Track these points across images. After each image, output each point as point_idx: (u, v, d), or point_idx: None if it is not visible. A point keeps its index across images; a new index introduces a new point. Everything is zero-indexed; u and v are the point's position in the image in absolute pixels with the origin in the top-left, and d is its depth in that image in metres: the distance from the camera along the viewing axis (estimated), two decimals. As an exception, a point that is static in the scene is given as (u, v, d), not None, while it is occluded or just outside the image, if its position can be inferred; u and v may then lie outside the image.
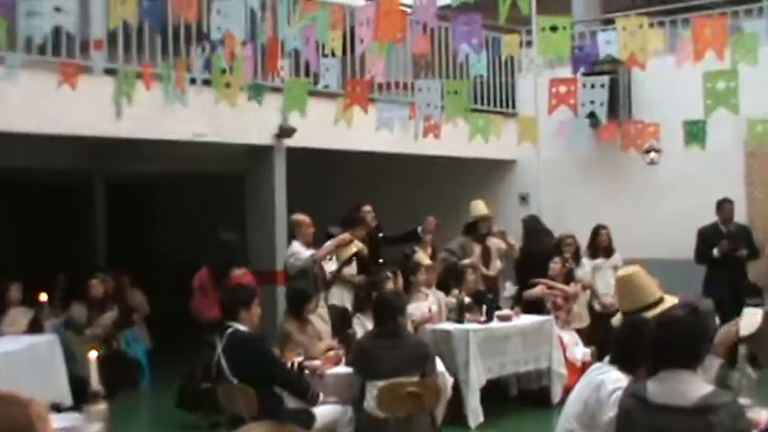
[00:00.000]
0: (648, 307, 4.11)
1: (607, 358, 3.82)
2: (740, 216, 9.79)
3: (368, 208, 8.73)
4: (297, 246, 7.78)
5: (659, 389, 3.09)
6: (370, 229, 8.57)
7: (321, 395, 5.52)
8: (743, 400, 3.31)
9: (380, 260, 8.57)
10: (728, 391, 3.20)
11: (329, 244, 7.81)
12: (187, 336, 7.11)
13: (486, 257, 8.93)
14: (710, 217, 9.55)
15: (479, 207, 9.02)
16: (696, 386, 3.06)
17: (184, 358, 7.42)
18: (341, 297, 7.90)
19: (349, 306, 7.71)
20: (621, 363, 3.71)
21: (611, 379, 3.64)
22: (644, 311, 4.06)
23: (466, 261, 8.61)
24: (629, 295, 4.23)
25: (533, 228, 9.54)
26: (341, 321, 7.28)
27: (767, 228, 10.06)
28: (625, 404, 3.22)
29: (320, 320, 7.07)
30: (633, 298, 4.18)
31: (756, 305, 7.51)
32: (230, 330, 5.37)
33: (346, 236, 7.86)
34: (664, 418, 3.04)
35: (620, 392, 3.43)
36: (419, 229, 9.00)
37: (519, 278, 9.32)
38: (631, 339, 3.63)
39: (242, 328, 5.40)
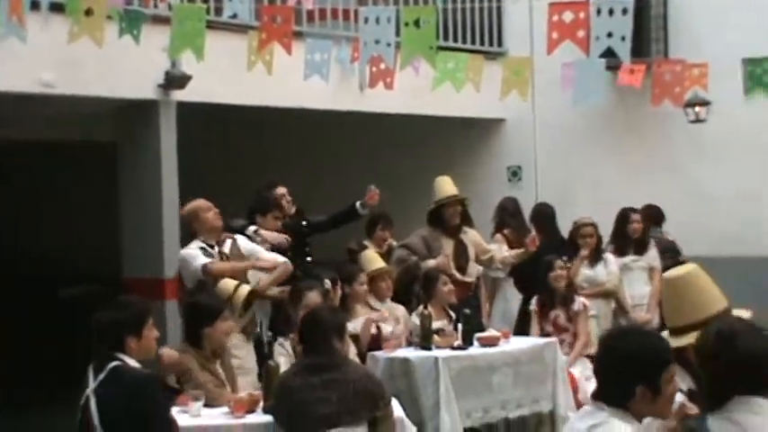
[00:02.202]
0: (709, 321, 4.01)
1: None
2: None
3: (282, 190, 8.74)
4: (196, 246, 7.71)
5: (726, 425, 3.18)
6: (287, 216, 8.61)
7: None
8: None
9: (309, 258, 8.59)
10: None
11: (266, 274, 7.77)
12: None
13: (459, 257, 8.99)
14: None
15: (445, 185, 9.09)
16: None
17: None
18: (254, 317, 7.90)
19: (265, 330, 7.71)
20: (610, 399, 3.66)
21: None
22: (690, 332, 4.04)
23: (431, 262, 8.67)
24: (681, 305, 4.19)
25: (542, 213, 9.67)
26: (257, 352, 7.28)
27: None
28: None
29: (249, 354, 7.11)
30: (687, 309, 4.15)
31: None
32: (113, 365, 5.31)
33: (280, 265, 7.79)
34: None
35: None
36: (357, 204, 9.03)
37: (521, 287, 9.44)
38: (613, 361, 3.60)
39: (130, 361, 5.34)
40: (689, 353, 3.74)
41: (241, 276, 7.51)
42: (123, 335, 5.26)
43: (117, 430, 5.21)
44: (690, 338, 3.95)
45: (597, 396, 3.66)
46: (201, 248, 7.48)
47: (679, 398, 3.75)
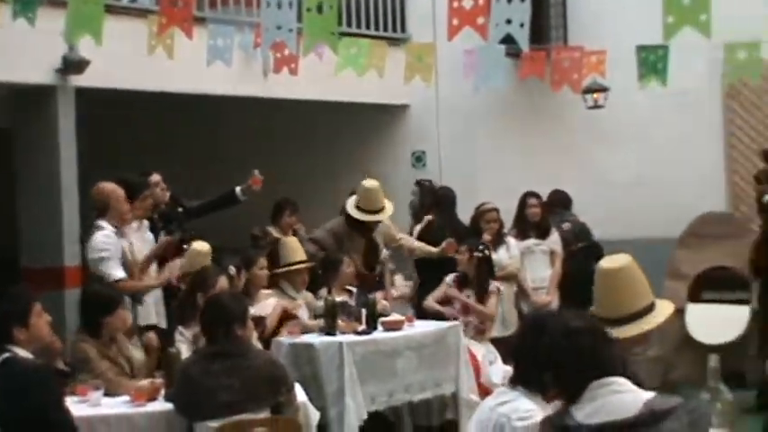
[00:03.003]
0: (639, 314, 4.13)
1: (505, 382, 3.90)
2: (717, 177, 10.23)
3: (156, 178, 8.61)
4: (101, 235, 7.56)
5: (589, 407, 3.21)
6: (161, 203, 8.53)
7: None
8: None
9: (185, 246, 8.55)
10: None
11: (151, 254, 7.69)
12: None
13: (369, 255, 8.93)
14: (680, 181, 9.93)
15: (376, 197, 8.68)
16: (635, 393, 3.22)
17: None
18: (154, 307, 7.84)
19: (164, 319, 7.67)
20: (527, 382, 3.76)
21: (518, 412, 3.68)
22: (631, 321, 4.10)
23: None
24: (613, 298, 4.19)
25: (442, 195, 9.71)
26: (157, 340, 7.21)
27: (750, 193, 10.53)
28: None
29: (136, 347, 6.99)
30: (619, 301, 4.15)
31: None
32: (3, 358, 5.20)
33: (164, 240, 7.69)
34: None
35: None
36: (237, 189, 8.96)
37: (420, 271, 9.46)
38: (535, 346, 3.63)
39: (20, 352, 5.24)
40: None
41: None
42: (9, 326, 5.19)
43: (12, 422, 5.12)
44: (635, 329, 4.04)
45: (514, 379, 3.80)
46: (113, 231, 7.38)
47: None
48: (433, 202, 9.72)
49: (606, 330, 3.43)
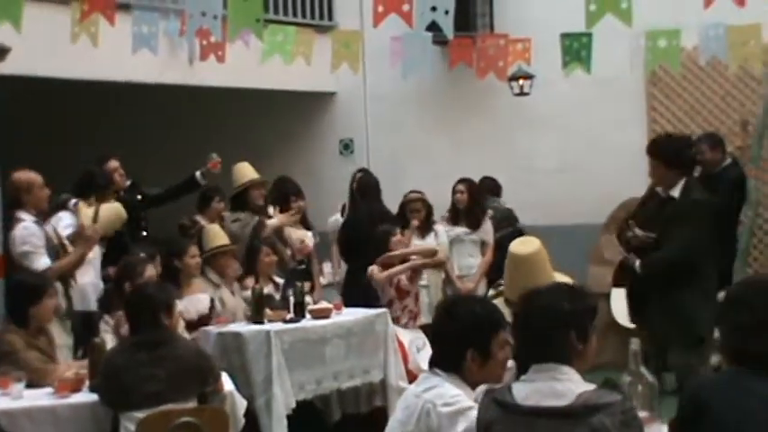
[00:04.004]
0: None
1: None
2: (640, 164, 10.26)
3: (114, 164, 8.56)
4: (21, 228, 7.44)
5: (528, 389, 3.29)
6: (120, 190, 8.45)
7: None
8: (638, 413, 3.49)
9: (144, 233, 8.46)
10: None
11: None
12: None
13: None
14: (604, 168, 10.00)
15: (246, 170, 9.04)
16: (575, 384, 3.28)
17: None
18: (82, 295, 7.73)
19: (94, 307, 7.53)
20: (445, 364, 3.80)
21: (443, 398, 3.69)
22: None
23: (273, 221, 8.64)
24: (520, 280, 4.44)
25: (361, 181, 9.72)
26: (82, 329, 7.12)
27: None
28: (484, 416, 3.37)
29: (62, 332, 6.90)
30: (524, 283, 4.30)
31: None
32: None
33: (91, 229, 7.58)
34: (535, 426, 3.24)
35: (465, 415, 3.56)
36: (197, 173, 8.92)
37: (346, 256, 9.46)
38: (447, 327, 3.81)
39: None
40: None
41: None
42: None
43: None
44: None
45: (433, 363, 3.79)
46: (35, 222, 7.26)
47: (512, 364, 3.88)
48: (357, 189, 9.72)
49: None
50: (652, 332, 6.97)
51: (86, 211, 7.74)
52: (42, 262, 7.13)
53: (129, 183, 8.71)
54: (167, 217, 9.11)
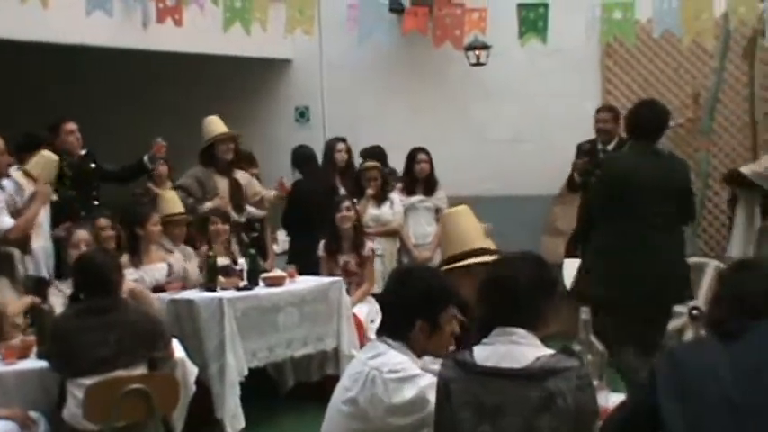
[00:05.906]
0: (465, 256, 4.60)
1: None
2: (593, 135, 10.31)
3: (72, 126, 8.41)
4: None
5: (488, 351, 3.32)
6: (75, 155, 8.30)
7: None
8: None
9: (96, 202, 8.33)
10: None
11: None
12: None
13: (234, 195, 8.85)
14: (558, 139, 9.97)
15: (215, 124, 8.93)
16: (534, 348, 3.30)
17: None
18: (35, 261, 7.59)
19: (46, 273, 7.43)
20: (392, 332, 3.77)
21: (389, 365, 3.65)
22: (460, 261, 4.58)
23: (208, 204, 8.53)
24: (448, 241, 4.66)
25: (296, 154, 9.67)
26: (36, 294, 7.00)
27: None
28: (444, 375, 3.39)
29: (12, 292, 6.79)
30: (452, 245, 4.62)
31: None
32: None
33: (43, 189, 7.46)
34: (491, 385, 3.25)
35: (411, 382, 3.58)
36: (145, 158, 8.80)
37: (290, 228, 9.42)
38: (398, 295, 3.80)
39: None
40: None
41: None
42: None
43: None
44: (456, 265, 4.57)
45: (381, 331, 3.83)
46: None
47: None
48: (293, 162, 9.65)
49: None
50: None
51: (19, 175, 7.59)
52: (6, 221, 7.08)
53: (84, 152, 8.53)
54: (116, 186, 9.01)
